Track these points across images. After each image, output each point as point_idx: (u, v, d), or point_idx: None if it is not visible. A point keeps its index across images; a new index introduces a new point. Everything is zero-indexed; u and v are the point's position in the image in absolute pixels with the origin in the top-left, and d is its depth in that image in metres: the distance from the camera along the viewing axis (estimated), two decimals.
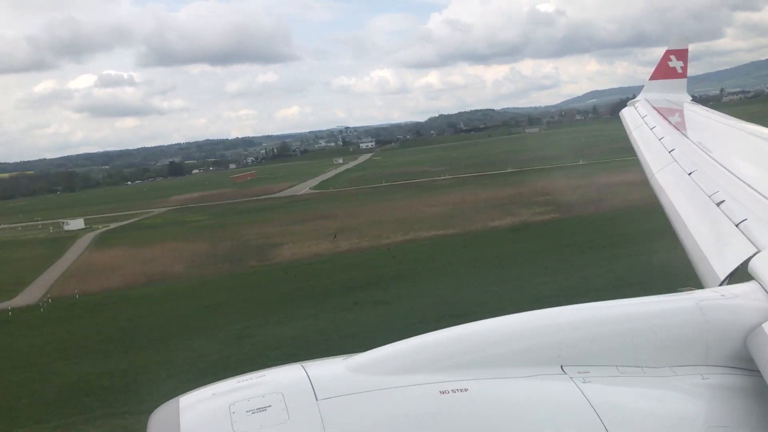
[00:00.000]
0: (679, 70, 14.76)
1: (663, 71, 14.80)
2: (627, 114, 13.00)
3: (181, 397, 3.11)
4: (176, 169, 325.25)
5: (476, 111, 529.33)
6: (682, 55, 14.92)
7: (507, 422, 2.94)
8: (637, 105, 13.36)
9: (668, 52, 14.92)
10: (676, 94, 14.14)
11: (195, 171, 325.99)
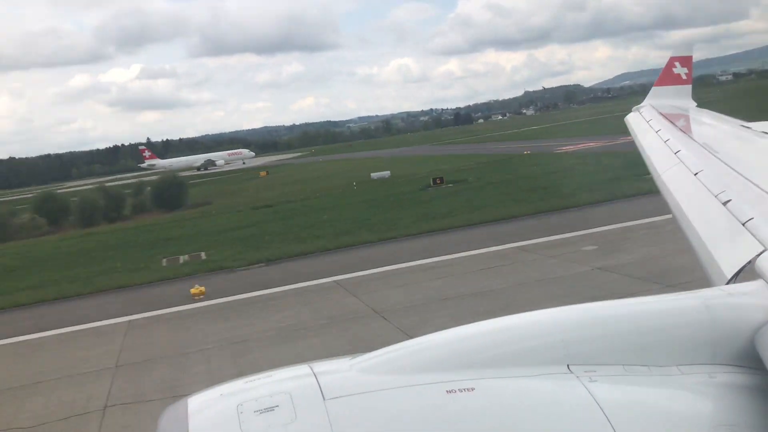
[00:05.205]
0: (684, 77, 14.76)
1: (668, 78, 14.80)
2: (632, 119, 12.97)
3: (190, 398, 3.14)
4: (464, 119, 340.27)
5: (561, 87, 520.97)
6: (686, 62, 14.92)
7: (513, 421, 2.94)
8: (642, 110, 13.34)
9: (672, 59, 14.92)
10: (682, 100, 14.13)
11: (480, 120, 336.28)
